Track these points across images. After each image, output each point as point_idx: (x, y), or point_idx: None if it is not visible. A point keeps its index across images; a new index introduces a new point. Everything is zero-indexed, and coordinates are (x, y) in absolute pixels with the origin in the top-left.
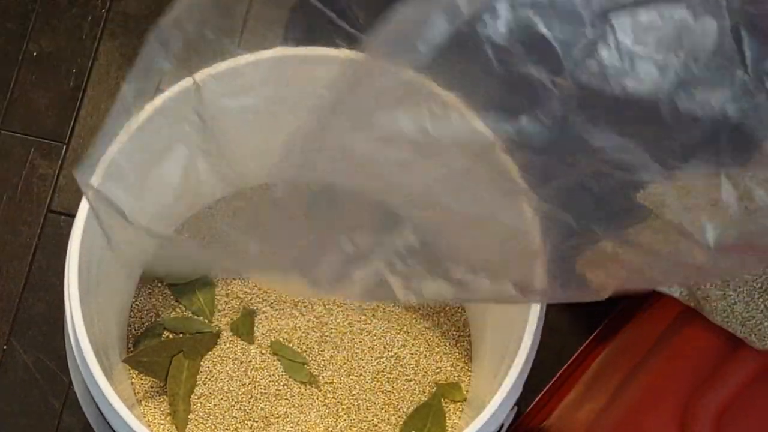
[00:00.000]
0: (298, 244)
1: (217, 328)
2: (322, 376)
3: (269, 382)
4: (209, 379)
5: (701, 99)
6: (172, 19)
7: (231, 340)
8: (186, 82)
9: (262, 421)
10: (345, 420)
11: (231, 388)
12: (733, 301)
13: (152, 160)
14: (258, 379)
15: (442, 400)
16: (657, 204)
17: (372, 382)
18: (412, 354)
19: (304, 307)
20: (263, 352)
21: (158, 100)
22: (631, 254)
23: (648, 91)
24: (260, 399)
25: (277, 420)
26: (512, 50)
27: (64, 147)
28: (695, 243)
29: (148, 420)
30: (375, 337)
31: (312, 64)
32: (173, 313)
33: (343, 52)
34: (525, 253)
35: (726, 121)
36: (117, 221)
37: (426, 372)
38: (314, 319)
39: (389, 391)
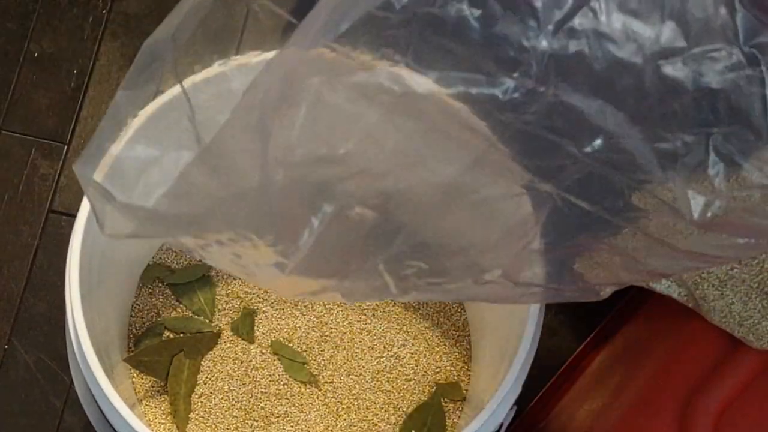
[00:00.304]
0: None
1: (217, 328)
2: (322, 376)
3: (269, 381)
4: (210, 379)
5: (690, 69)
6: (166, 29)
7: (231, 340)
8: (176, 90)
9: (263, 421)
10: (345, 419)
11: (231, 388)
12: (730, 301)
13: (148, 164)
14: (258, 379)
15: (442, 400)
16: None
17: (372, 381)
18: (412, 354)
19: (305, 306)
20: (263, 351)
21: (150, 108)
22: (627, 243)
23: (634, 58)
24: (260, 398)
25: (277, 419)
26: (491, 10)
27: (65, 147)
28: (681, 218)
29: (149, 419)
30: (375, 337)
31: None
32: (174, 312)
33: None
34: (518, 239)
35: (714, 94)
36: (111, 208)
37: (426, 371)
38: (314, 319)
39: (389, 391)
